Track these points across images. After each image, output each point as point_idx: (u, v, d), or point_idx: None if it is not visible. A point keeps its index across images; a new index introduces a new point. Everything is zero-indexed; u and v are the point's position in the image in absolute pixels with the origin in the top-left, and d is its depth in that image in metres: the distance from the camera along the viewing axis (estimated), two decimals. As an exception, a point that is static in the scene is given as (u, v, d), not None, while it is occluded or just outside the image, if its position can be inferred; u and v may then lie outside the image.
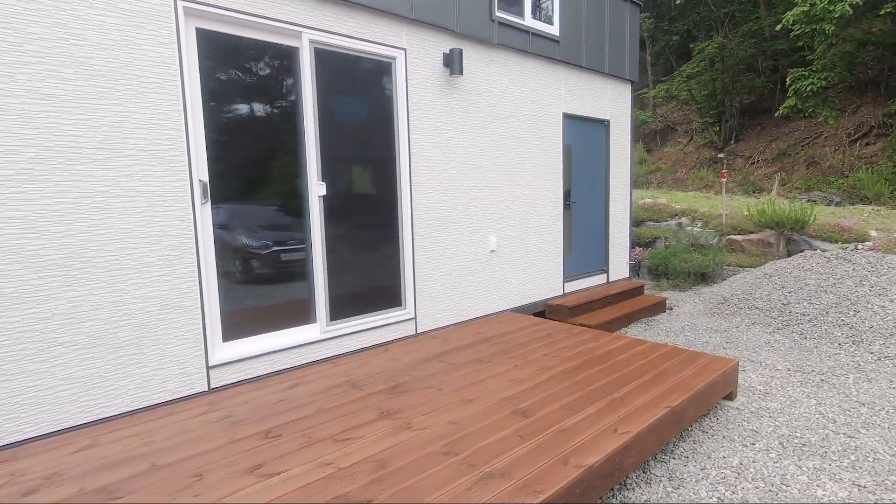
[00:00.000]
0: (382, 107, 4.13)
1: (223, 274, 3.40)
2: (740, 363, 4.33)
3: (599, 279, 6.57)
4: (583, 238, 6.30)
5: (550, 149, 5.65)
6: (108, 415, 2.91)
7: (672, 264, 7.16)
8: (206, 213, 3.28)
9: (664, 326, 5.56)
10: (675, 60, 21.00)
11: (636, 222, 9.36)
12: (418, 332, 4.48)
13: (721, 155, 17.42)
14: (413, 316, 4.42)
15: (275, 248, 3.69)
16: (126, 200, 2.91)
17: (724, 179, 8.24)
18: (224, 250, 3.41)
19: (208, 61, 3.25)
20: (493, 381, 3.31)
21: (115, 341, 2.91)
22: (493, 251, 5.09)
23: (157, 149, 3.00)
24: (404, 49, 4.18)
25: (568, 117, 5.87)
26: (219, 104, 3.32)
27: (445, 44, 4.49)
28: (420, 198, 4.40)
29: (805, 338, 4.72)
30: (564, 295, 6.00)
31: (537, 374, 3.43)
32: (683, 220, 7.97)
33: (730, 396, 3.58)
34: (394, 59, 4.13)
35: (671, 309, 6.45)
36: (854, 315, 4.71)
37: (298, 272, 3.79)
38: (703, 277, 7.17)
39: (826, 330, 4.69)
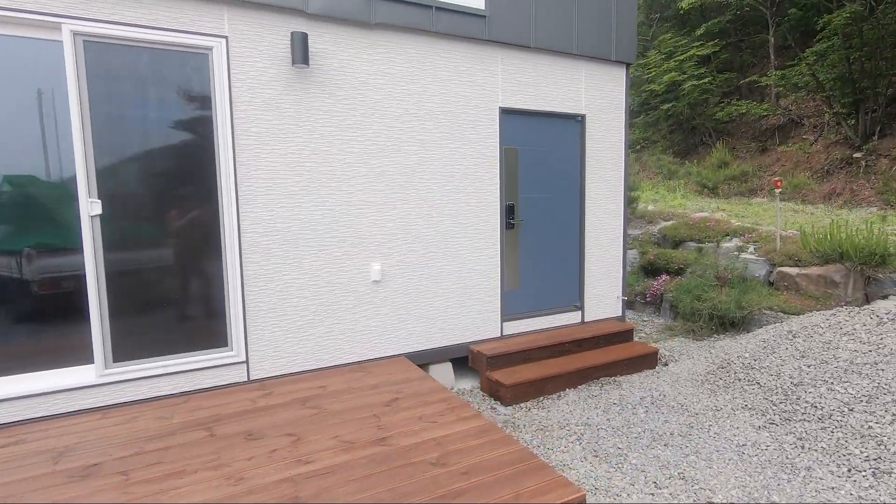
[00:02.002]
0: (194, 109, 3.43)
1: (-35, 304, 2.99)
2: (666, 478, 2.83)
3: (569, 318, 5.14)
4: (539, 266, 4.95)
5: (478, 154, 4.47)
6: None
7: (682, 303, 5.39)
8: (-71, 236, 2.88)
9: (621, 394, 4.05)
10: (795, 39, 17.26)
11: (674, 242, 7.44)
12: (251, 378, 3.70)
13: (858, 154, 13.88)
14: (244, 359, 3.65)
15: (43, 276, 3.20)
16: None
17: (777, 189, 5.99)
18: (-31, 277, 3.00)
19: (-63, 63, 2.85)
20: (196, 479, 2.42)
21: None
22: (377, 281, 4.10)
23: None
24: (226, 37, 3.44)
25: (510, 113, 4.62)
26: (-44, 112, 2.91)
27: (294, 27, 3.65)
28: (254, 217, 3.62)
29: (802, 447, 2.98)
30: (503, 338, 4.74)
31: (268, 473, 2.46)
32: (708, 245, 5.91)
33: (562, 551, 2.23)
34: (210, 49, 3.42)
35: (665, 365, 4.80)
36: (893, 423, 2.85)
37: (73, 304, 3.26)
38: (733, 324, 5.28)
39: (839, 439, 2.91)
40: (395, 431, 2.86)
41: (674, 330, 5.68)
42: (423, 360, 4.35)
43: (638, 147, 20.43)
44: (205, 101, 3.45)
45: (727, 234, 6.97)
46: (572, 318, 5.17)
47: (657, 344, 5.37)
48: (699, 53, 18.27)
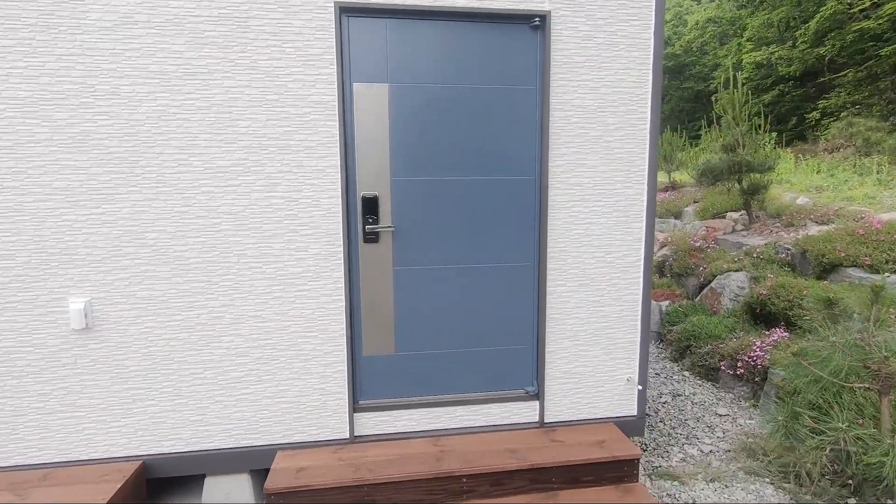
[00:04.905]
0: None
1: None
2: None
3: (512, 415, 2.70)
4: (444, 314, 2.60)
5: (291, 97, 2.32)
6: None
7: (768, 416, 2.48)
8: None
9: None
10: None
11: (821, 267, 4.09)
12: None
13: None
14: None
15: None
16: None
17: None
18: None
19: None
20: None
21: None
22: (82, 329, 2.32)
23: None
24: None
25: (365, 14, 2.35)
26: None
27: None
28: None
29: None
30: (353, 442, 2.56)
31: None
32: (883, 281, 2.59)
33: None
34: None
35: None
36: None
37: None
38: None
39: None
40: None
41: (761, 458, 2.75)
42: (191, 468, 2.47)
43: (844, 113, 14.67)
44: None
45: (938, 261, 3.50)
46: (520, 413, 2.71)
47: (711, 486, 2.60)
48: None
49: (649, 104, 2.59)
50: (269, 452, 2.51)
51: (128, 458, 2.42)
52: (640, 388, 2.73)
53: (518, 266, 2.62)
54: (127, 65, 2.20)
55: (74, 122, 2.20)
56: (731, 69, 6.44)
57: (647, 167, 2.63)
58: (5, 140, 2.17)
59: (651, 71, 2.56)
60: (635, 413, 2.79)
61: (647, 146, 2.61)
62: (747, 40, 18.24)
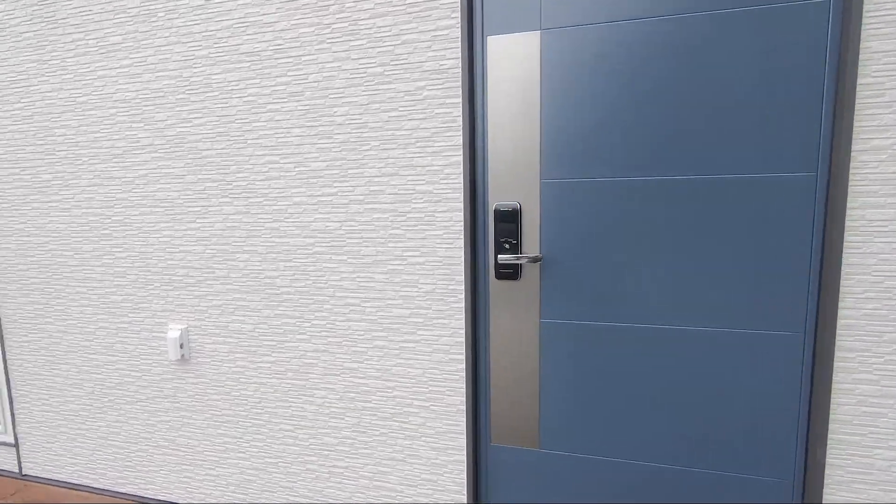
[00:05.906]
0: None
1: None
2: None
3: (742, 589, 1.53)
4: (626, 401, 1.58)
5: (392, 67, 1.61)
6: None
7: None
8: None
9: None
10: None
11: None
12: (24, 472, 2.39)
13: None
14: (13, 442, 2.39)
15: None
16: None
17: None
18: None
19: None
20: None
21: None
22: (179, 361, 2.04)
23: None
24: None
25: (506, -75, 1.49)
26: None
27: None
28: None
29: None
30: (472, 567, 1.75)
31: None
32: None
33: None
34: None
35: None
36: None
37: None
38: None
39: None
40: None
41: None
42: (283, 540, 2.01)
43: None
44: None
45: None
46: (759, 591, 1.53)
47: None
48: None
49: None
50: (366, 548, 1.88)
51: (221, 513, 2.08)
52: None
53: (770, 336, 1.44)
54: (218, 48, 1.80)
55: (171, 123, 1.90)
56: None
57: None
58: (117, 148, 1.99)
59: None
60: None
61: None
62: None
